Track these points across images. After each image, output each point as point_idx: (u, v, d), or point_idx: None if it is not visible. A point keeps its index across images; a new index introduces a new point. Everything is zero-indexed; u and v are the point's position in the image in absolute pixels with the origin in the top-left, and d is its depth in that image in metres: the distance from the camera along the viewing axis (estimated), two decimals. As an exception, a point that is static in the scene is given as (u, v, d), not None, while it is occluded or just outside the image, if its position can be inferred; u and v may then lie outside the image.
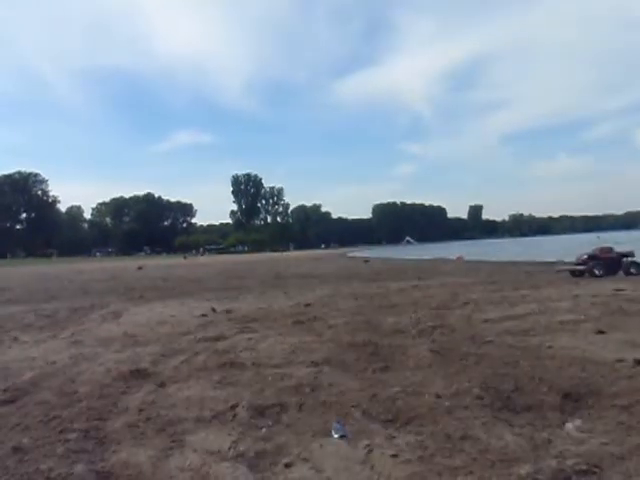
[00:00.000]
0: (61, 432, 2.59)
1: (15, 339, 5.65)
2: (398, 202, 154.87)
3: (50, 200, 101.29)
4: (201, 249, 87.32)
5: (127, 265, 36.28)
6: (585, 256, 11.81)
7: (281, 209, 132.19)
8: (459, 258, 26.26)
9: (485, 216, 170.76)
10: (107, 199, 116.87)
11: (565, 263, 13.98)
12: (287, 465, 2.15)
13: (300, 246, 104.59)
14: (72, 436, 2.52)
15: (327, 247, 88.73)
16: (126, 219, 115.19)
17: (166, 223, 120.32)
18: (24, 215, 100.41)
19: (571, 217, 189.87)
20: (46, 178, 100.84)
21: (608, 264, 11.37)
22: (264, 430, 2.55)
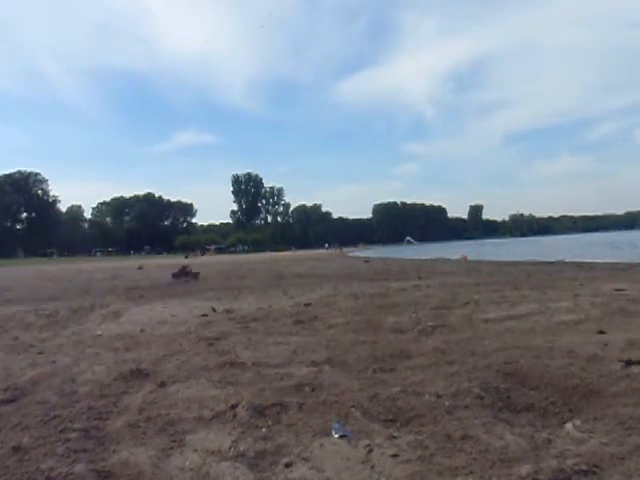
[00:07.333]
0: (61, 432, 2.58)
1: (15, 339, 5.65)
2: (398, 202, 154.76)
3: (50, 200, 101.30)
4: (212, 247, 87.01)
5: (127, 265, 36.31)
6: None
7: (281, 209, 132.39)
8: (463, 258, 26.09)
9: (485, 216, 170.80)
10: (108, 199, 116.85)
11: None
12: (287, 465, 2.15)
13: (301, 246, 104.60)
14: (72, 435, 2.52)
15: (330, 247, 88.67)
16: (126, 219, 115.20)
17: (166, 223, 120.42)
18: (24, 215, 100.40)
19: (571, 217, 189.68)
20: (46, 178, 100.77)
21: None
22: (264, 430, 2.55)
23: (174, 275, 15.66)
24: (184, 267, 16.58)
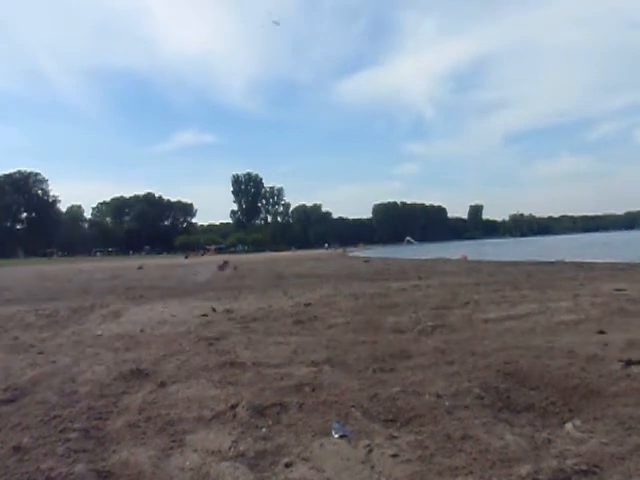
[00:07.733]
0: (61, 432, 2.58)
1: (15, 339, 5.65)
2: (398, 202, 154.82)
3: (50, 200, 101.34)
4: (212, 247, 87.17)
5: (127, 265, 36.31)
6: None
7: (281, 209, 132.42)
8: (463, 258, 26.07)
9: (485, 216, 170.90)
10: (108, 199, 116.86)
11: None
12: (287, 465, 2.15)
13: (301, 246, 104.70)
14: (72, 435, 2.52)
15: (330, 247, 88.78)
16: (126, 219, 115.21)
17: (166, 223, 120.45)
18: (24, 215, 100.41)
19: (571, 217, 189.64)
20: (46, 178, 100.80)
21: None
22: (264, 430, 2.55)
23: (219, 267, 20.73)
24: (226, 262, 22.02)
